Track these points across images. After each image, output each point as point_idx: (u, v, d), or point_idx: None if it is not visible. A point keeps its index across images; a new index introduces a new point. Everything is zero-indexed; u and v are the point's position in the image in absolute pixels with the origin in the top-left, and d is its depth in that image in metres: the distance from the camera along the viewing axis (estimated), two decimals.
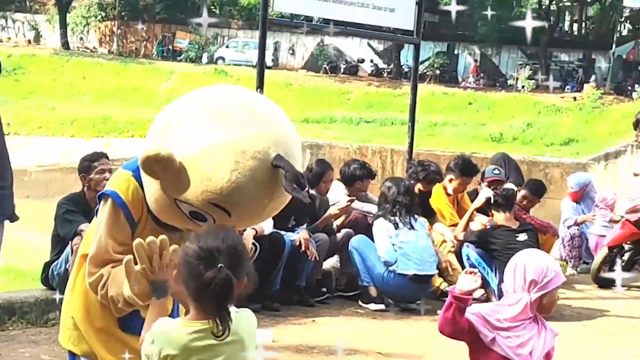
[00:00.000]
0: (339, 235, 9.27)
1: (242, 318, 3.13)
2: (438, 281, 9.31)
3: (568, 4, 47.70)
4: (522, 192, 10.34)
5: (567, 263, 11.50)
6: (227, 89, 3.57)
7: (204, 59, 52.43)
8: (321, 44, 52.47)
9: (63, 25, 53.70)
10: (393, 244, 8.75)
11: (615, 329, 8.73)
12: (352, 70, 51.07)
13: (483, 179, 10.64)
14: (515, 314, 4.05)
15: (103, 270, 3.41)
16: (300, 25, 12.86)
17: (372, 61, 52.27)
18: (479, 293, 8.92)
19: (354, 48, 52.27)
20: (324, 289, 9.13)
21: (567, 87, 45.64)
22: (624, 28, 50.81)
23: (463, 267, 9.44)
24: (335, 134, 33.38)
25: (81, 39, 56.65)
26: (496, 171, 10.84)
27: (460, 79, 50.12)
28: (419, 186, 9.64)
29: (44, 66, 48.46)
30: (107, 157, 7.51)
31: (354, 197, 9.38)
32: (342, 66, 51.41)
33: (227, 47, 52.78)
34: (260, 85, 9.14)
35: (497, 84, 48.51)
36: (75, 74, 46.96)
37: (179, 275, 3.05)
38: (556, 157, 29.74)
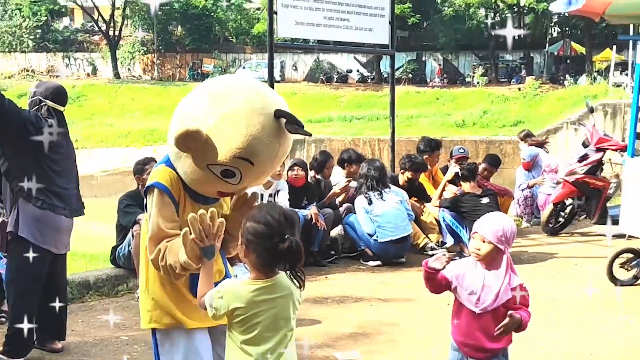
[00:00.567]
0: (341, 209, 9.29)
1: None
2: (421, 238, 9.31)
3: (509, 14, 47.56)
4: (482, 165, 10.32)
5: (522, 218, 11.50)
6: (230, 77, 3.59)
7: None
8: (317, 60, 52.30)
9: (114, 59, 53.62)
10: (370, 218, 8.79)
11: (562, 267, 8.71)
12: (343, 79, 50.93)
13: (451, 157, 10.63)
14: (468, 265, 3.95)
15: (160, 246, 3.37)
16: (299, 46, 12.87)
17: (358, 71, 52.14)
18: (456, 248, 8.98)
19: (343, 61, 52.10)
20: (333, 252, 9.13)
21: (513, 80, 45.74)
22: (554, 31, 50.72)
23: (440, 226, 9.50)
24: (332, 130, 33.40)
25: (129, 69, 56.56)
26: (461, 150, 10.88)
27: (428, 80, 49.94)
28: (408, 174, 9.59)
29: (101, 93, 48.45)
30: (155, 161, 7.49)
31: (351, 178, 9.39)
32: (335, 76, 51.29)
33: (243, 67, 52.58)
34: None
35: (458, 82, 48.47)
36: (126, 97, 46.91)
37: (248, 249, 3.05)
38: (507, 135, 29.74)
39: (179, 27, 57.17)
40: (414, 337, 6.12)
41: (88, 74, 56.55)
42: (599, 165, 10.32)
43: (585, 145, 10.81)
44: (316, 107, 40.54)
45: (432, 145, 10.40)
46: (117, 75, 53.55)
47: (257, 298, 3.03)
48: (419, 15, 48.61)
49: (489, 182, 10.18)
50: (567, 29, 49.14)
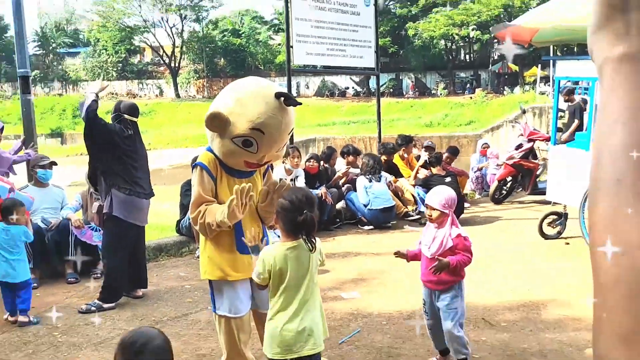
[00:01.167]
0: (343, 188, 9.26)
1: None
2: (402, 208, 9.28)
3: (462, 44, 47.32)
4: (445, 154, 10.27)
5: (475, 192, 11.44)
6: (248, 78, 3.56)
7: None
8: (323, 80, 52.04)
9: (174, 84, 53.73)
10: (368, 193, 8.77)
11: (505, 227, 8.66)
12: (342, 94, 50.58)
13: (423, 148, 10.62)
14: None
15: (200, 208, 3.38)
16: (310, 71, 12.78)
17: (353, 87, 51.73)
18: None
19: (342, 81, 51.74)
20: (337, 220, 9.09)
21: (466, 91, 45.31)
22: (495, 54, 50.29)
23: (415, 199, 9.46)
24: (335, 131, 33.26)
25: (186, 91, 56.44)
26: (429, 142, 10.88)
27: (404, 93, 49.59)
28: (384, 157, 9.60)
29: (166, 109, 48.47)
30: None
31: (350, 166, 9.38)
32: (336, 92, 50.97)
33: None
34: None
35: (426, 94, 48.02)
36: (184, 112, 46.75)
37: (278, 218, 3.05)
38: (463, 132, 29.63)
39: (222, 59, 57.00)
40: (399, 280, 6.11)
41: (156, 95, 56.55)
42: (530, 151, 10.26)
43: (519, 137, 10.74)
44: (323, 115, 40.48)
45: (407, 140, 10.42)
46: (177, 95, 53.66)
47: (289, 254, 3.01)
48: (396, 46, 48.54)
49: (450, 166, 10.14)
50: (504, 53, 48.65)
